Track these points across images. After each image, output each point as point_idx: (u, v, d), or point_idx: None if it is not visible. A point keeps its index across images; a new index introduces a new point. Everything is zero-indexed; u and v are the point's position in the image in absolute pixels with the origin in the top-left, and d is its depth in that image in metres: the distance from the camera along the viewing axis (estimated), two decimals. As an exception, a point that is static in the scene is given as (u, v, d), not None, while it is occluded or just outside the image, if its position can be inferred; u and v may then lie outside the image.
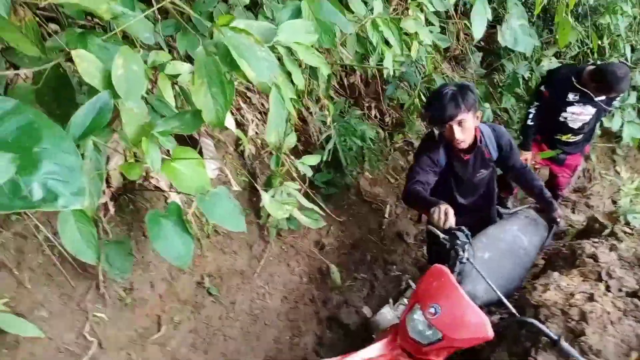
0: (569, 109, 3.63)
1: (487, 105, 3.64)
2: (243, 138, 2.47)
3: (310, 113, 3.11)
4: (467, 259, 2.11)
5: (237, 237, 2.76)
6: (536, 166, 4.21)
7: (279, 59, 1.46)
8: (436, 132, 2.56)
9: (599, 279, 2.41)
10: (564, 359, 1.89)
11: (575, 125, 3.71)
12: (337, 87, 3.53)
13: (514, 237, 2.64)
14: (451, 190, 2.78)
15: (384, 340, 2.10)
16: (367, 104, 3.69)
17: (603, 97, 3.56)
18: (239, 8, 2.31)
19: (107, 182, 1.92)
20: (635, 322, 2.17)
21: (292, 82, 1.57)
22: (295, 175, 2.86)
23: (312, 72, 2.75)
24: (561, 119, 3.70)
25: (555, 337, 1.84)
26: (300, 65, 1.69)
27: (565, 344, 1.83)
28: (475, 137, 2.58)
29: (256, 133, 2.76)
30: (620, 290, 2.39)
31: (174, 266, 2.38)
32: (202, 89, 1.35)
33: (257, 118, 2.86)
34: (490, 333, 1.90)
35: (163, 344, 2.42)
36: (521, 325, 2.09)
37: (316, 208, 2.81)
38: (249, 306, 2.83)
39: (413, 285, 2.56)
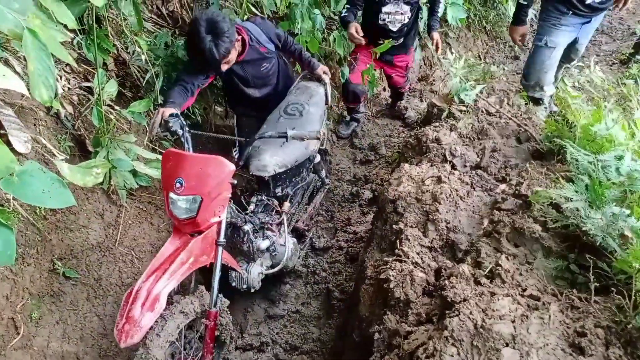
0: (384, 8, 3.71)
1: (317, 11, 3.52)
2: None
3: (129, 53, 2.76)
4: (188, 131, 2.30)
5: (80, 209, 2.46)
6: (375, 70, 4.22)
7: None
8: None
9: (445, 160, 2.57)
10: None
11: (395, 27, 3.81)
12: (156, 18, 3.17)
13: (291, 107, 2.96)
14: (241, 90, 2.97)
15: (171, 237, 2.18)
16: (195, 32, 3.37)
17: None
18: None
19: None
20: (482, 192, 2.36)
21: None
22: (127, 128, 2.58)
23: (114, 5, 2.41)
24: (380, 22, 3.77)
25: (284, 135, 2.22)
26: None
27: (291, 132, 2.22)
28: (244, 39, 2.71)
29: (68, 89, 2.40)
30: (464, 166, 2.57)
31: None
32: None
33: (64, 71, 2.48)
34: (230, 167, 2.13)
35: (28, 345, 2.17)
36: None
37: (160, 157, 2.59)
38: (117, 278, 2.61)
39: None
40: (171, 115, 2.31)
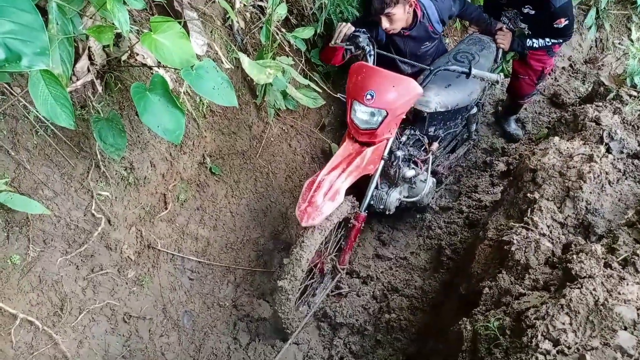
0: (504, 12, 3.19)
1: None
2: (229, 10, 2.33)
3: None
4: (374, 48, 2.49)
5: (234, 117, 2.73)
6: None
7: None
8: None
9: (601, 141, 2.39)
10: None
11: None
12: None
13: (461, 55, 2.99)
14: (395, 64, 2.90)
15: (345, 143, 2.40)
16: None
17: (533, 11, 2.96)
18: None
19: (90, 59, 1.86)
20: (635, 182, 2.18)
21: None
22: (288, 50, 2.75)
23: None
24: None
25: (467, 70, 2.30)
26: None
27: (475, 70, 2.28)
28: (416, 14, 2.72)
29: (244, 5, 2.60)
30: (621, 152, 2.38)
31: (173, 146, 2.39)
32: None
33: (244, -11, 2.68)
34: (419, 90, 2.28)
35: (171, 220, 2.51)
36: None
37: (313, 85, 2.73)
38: (253, 185, 2.89)
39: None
40: (358, 31, 2.48)
